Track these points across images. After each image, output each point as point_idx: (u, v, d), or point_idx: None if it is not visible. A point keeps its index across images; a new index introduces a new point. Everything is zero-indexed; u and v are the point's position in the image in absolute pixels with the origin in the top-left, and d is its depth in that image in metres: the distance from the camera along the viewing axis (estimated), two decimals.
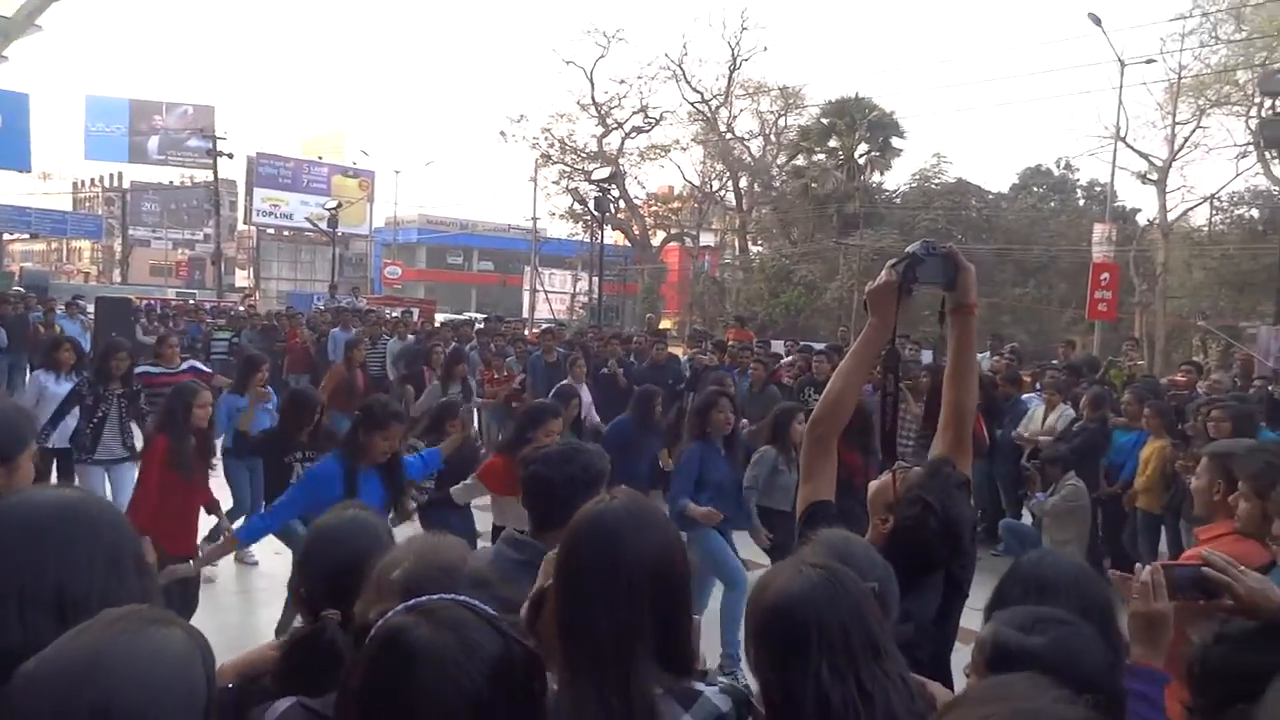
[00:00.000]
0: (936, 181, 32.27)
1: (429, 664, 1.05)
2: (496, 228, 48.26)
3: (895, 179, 33.21)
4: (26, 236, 46.62)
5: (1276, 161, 22.25)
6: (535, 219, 36.35)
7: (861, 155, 31.66)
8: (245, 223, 45.78)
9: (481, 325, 13.78)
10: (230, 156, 34.72)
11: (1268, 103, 18.45)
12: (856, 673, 1.32)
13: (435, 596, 1.13)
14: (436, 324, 15.89)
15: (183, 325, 16.26)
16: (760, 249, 36.07)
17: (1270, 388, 7.74)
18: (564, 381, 8.04)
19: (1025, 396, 8.49)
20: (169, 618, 1.04)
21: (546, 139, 35.43)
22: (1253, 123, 22.33)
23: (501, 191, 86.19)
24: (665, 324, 29.66)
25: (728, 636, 4.67)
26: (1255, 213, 26.21)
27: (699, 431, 5.13)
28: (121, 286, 36.16)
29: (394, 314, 15.22)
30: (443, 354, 9.27)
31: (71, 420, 5.92)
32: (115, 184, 50.09)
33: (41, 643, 0.98)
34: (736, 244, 37.13)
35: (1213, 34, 25.42)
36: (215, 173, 34.19)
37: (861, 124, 30.62)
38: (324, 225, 30.28)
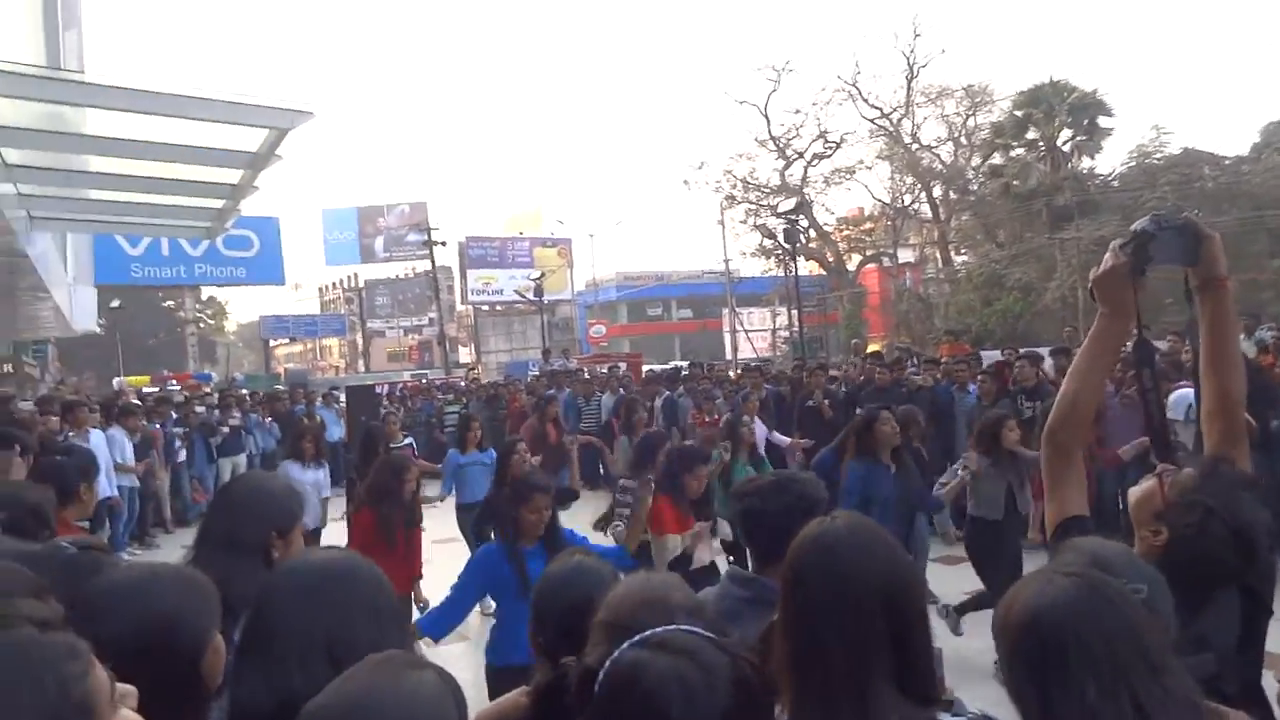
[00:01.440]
0: (1159, 156, 29.24)
1: (678, 693, 1.05)
2: (690, 274, 49.14)
3: (1109, 161, 30.56)
4: (287, 340, 53.06)
5: None
6: (727, 260, 36.63)
7: (1065, 142, 29.40)
8: (463, 303, 49.54)
9: (686, 371, 13.97)
10: (444, 245, 37.88)
11: None
12: (1131, 690, 1.16)
13: (660, 629, 1.13)
14: (643, 375, 16.32)
15: (418, 404, 17.77)
16: (965, 258, 34.20)
17: None
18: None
19: None
20: (423, 662, 1.13)
21: (729, 180, 35.78)
22: None
23: (692, 238, 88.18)
24: (873, 348, 28.68)
25: None
26: None
27: (865, 448, 4.92)
28: (365, 375, 40.20)
29: (603, 370, 15.81)
30: (638, 406, 9.61)
31: (316, 502, 6.65)
32: (352, 284, 56.08)
33: (317, 687, 1.09)
34: (938, 256, 35.43)
35: None
36: (433, 262, 37.35)
37: (1061, 109, 28.50)
38: (531, 295, 32.16)
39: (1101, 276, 1.88)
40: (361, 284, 54.16)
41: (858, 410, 8.85)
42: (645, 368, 21.39)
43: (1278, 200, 25.38)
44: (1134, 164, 29.69)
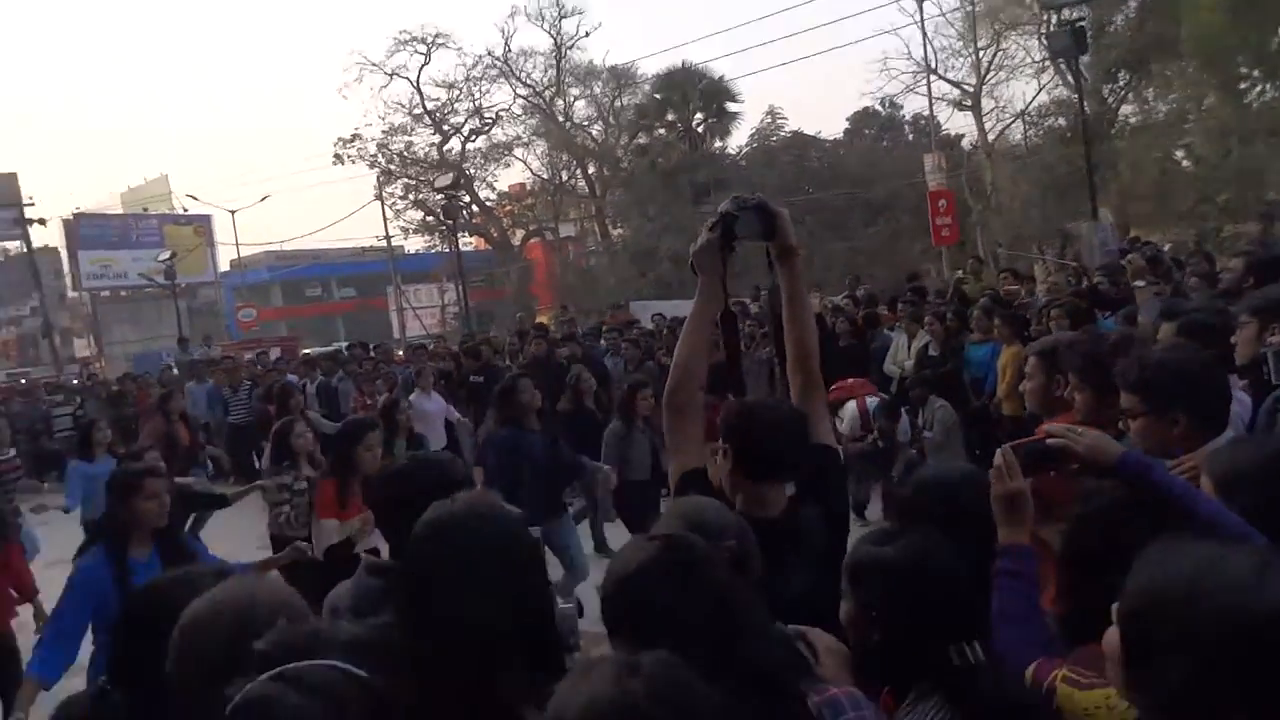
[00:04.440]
0: (775, 138, 33.13)
1: None
2: (352, 252, 46.55)
3: (739, 140, 33.93)
4: None
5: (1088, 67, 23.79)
6: (389, 237, 35.26)
7: (699, 124, 32.14)
8: (75, 289, 42.55)
9: (346, 354, 13.21)
10: (43, 223, 32.24)
11: (1053, 16, 19.74)
12: (712, 642, 1.25)
13: (302, 664, 1.09)
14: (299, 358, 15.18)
15: (18, 408, 14.98)
16: (621, 231, 36.18)
17: (1095, 281, 8.12)
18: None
19: (889, 331, 8.76)
20: None
21: (384, 155, 34.40)
22: (1044, 39, 23.88)
23: (351, 214, 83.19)
24: (542, 319, 29.27)
25: None
26: (1062, 121, 28.10)
27: (507, 416, 5.07)
28: None
29: (250, 357, 14.49)
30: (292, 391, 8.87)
31: None
32: None
33: None
34: (597, 230, 37.10)
35: None
36: (28, 242, 31.62)
37: (694, 94, 31.06)
38: (161, 279, 28.47)
39: (698, 252, 2.12)
40: None
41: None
42: (304, 351, 19.99)
43: (868, 179, 29.95)
44: (755, 146, 33.36)
